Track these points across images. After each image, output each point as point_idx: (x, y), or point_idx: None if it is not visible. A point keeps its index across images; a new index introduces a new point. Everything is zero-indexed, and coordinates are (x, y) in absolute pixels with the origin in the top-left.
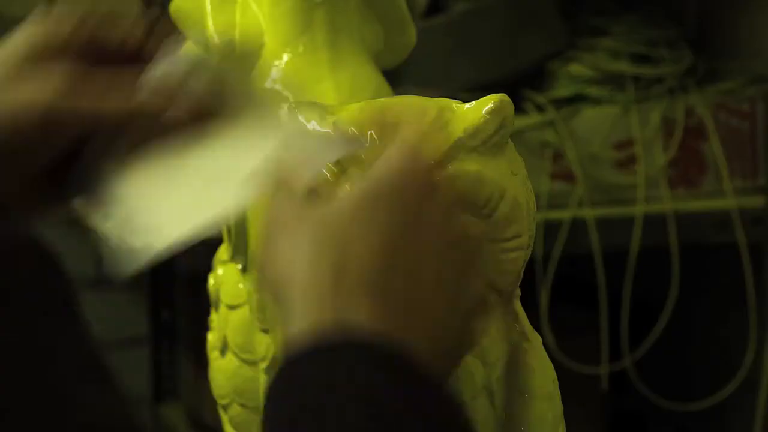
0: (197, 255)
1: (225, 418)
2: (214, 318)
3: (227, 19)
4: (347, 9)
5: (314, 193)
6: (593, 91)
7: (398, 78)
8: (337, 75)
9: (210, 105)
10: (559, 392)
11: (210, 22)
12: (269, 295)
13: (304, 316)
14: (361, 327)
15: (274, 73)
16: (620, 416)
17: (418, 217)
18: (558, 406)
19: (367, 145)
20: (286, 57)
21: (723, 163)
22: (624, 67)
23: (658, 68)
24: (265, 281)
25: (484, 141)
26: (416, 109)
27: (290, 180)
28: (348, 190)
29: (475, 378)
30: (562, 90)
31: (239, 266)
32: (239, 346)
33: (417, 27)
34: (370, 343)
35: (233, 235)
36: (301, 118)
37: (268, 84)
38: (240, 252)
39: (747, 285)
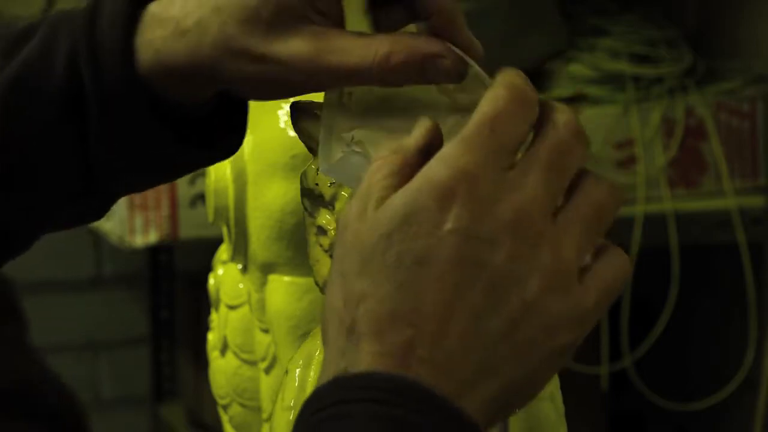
0: (197, 255)
1: (225, 418)
2: (214, 318)
3: None
4: (348, 9)
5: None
6: (593, 91)
7: None
8: None
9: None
10: (560, 392)
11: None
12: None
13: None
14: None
15: None
16: (620, 416)
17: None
18: (559, 407)
19: None
20: None
21: (723, 163)
22: (624, 67)
23: (658, 68)
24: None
25: None
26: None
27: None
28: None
29: None
30: (562, 90)
31: (239, 266)
32: (239, 346)
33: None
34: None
35: (233, 235)
36: None
37: None
38: (240, 252)
39: (747, 285)
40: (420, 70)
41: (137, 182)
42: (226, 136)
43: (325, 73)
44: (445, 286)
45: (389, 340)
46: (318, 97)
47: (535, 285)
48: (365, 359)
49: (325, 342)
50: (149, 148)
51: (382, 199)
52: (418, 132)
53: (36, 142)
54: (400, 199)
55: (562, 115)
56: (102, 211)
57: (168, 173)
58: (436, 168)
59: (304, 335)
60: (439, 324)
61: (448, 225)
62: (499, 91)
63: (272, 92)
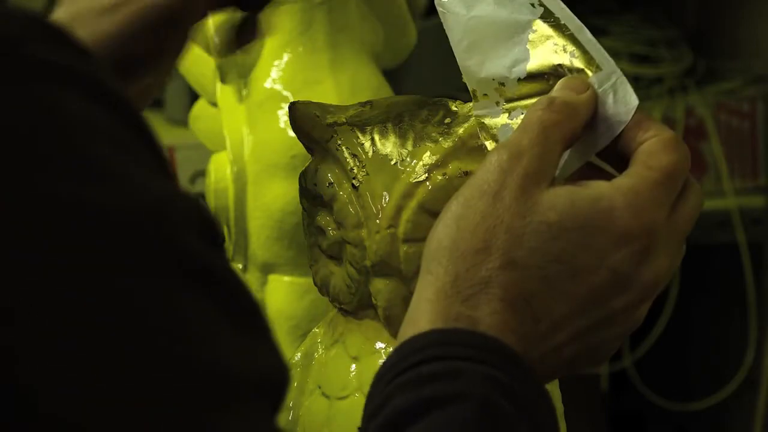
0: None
1: None
2: None
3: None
4: (347, 9)
5: (544, 181)
6: None
7: (398, 78)
8: (337, 75)
9: None
10: (560, 392)
11: (210, 22)
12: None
13: (436, 300)
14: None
15: (274, 73)
16: (620, 416)
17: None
18: (559, 407)
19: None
20: (286, 57)
21: (723, 163)
22: (624, 67)
23: (658, 68)
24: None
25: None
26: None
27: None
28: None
29: None
30: None
31: (239, 266)
32: None
33: (417, 27)
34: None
35: (233, 235)
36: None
37: (267, 84)
38: (240, 252)
39: (747, 285)
40: None
41: None
42: None
43: None
44: (574, 304)
45: (517, 319)
46: (317, 98)
47: (619, 330)
48: (494, 322)
49: (432, 258)
50: None
51: (549, 174)
52: (589, 99)
53: None
54: (586, 203)
55: (698, 192)
56: None
57: None
58: (626, 207)
59: (304, 335)
60: (550, 332)
61: (613, 261)
62: (679, 146)
63: None
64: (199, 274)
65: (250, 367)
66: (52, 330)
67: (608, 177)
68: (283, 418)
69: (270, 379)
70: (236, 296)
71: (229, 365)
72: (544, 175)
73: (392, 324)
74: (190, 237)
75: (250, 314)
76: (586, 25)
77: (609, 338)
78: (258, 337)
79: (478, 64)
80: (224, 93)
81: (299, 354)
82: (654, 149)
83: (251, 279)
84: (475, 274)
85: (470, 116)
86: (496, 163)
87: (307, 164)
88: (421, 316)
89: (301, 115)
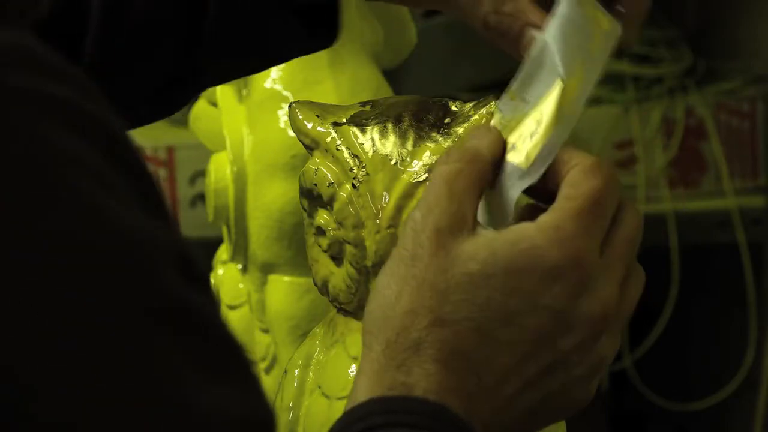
0: (197, 255)
1: None
2: None
3: None
4: (347, 9)
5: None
6: (593, 91)
7: (398, 78)
8: (337, 75)
9: None
10: None
11: None
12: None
13: (376, 365)
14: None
15: (274, 73)
16: (620, 416)
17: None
18: None
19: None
20: None
21: (723, 163)
22: (624, 67)
23: (658, 68)
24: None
25: None
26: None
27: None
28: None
29: None
30: None
31: (239, 266)
32: None
33: (417, 27)
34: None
35: (233, 235)
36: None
37: (267, 84)
38: (240, 252)
39: (747, 285)
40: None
41: (237, 65)
42: (327, 27)
43: None
44: (516, 352)
45: (456, 377)
46: (317, 98)
47: (580, 371)
48: (431, 385)
49: (366, 332)
50: (269, 23)
51: (464, 223)
52: (491, 140)
53: (145, 17)
54: (506, 247)
55: (634, 213)
56: (173, 107)
57: (268, 57)
58: (548, 243)
59: (304, 335)
60: (496, 384)
61: (546, 300)
62: (600, 171)
63: None
64: (172, 314)
65: (225, 414)
66: (52, 330)
67: None
68: (283, 419)
69: (250, 426)
70: (214, 339)
71: (200, 413)
72: (458, 227)
73: None
74: (167, 275)
75: (229, 359)
76: None
77: (571, 381)
78: (237, 382)
79: (542, 71)
80: (224, 93)
81: (299, 354)
82: (575, 179)
83: (251, 279)
84: (405, 339)
85: (470, 116)
86: (410, 225)
87: (307, 164)
88: (359, 390)
89: (301, 115)
